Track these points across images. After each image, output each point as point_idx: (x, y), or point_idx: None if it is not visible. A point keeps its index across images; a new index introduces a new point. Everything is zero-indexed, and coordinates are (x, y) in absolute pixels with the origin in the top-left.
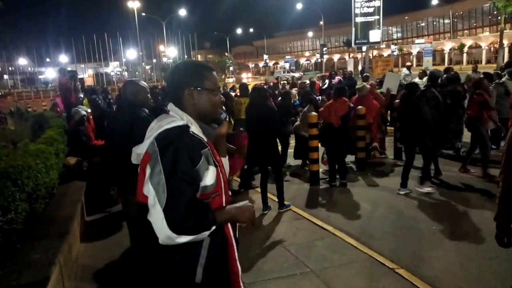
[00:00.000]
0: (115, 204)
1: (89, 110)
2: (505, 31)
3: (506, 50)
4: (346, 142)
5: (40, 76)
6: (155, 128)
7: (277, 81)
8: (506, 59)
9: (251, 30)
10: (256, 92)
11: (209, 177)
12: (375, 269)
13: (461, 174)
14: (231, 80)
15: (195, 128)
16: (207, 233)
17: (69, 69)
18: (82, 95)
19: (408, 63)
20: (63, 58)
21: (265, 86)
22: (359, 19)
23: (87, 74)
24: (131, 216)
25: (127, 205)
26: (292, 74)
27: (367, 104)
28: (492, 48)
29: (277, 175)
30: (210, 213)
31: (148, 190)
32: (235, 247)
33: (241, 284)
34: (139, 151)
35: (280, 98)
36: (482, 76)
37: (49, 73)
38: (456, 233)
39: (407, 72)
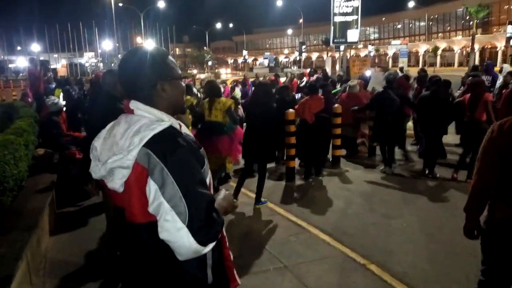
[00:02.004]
0: (87, 198)
1: (60, 101)
2: (476, 35)
3: (477, 54)
4: (322, 139)
5: (10, 65)
6: (130, 135)
7: (275, 78)
8: (477, 62)
9: (231, 25)
10: (261, 89)
11: (208, 176)
12: (346, 265)
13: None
14: (203, 76)
15: (184, 128)
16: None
17: (41, 58)
18: (53, 86)
19: (401, 65)
20: (35, 47)
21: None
22: (337, 19)
23: (60, 64)
24: (110, 209)
25: (106, 198)
26: (303, 69)
27: (357, 101)
28: (464, 52)
29: (261, 172)
30: (219, 212)
31: (160, 207)
32: (226, 236)
33: (234, 269)
34: (117, 164)
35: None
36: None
37: (20, 62)
38: (425, 229)
39: (399, 73)
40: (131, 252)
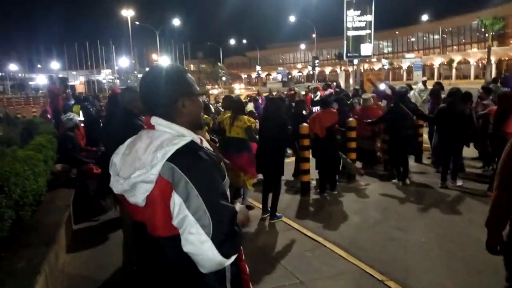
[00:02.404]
0: (104, 213)
1: (79, 117)
2: (492, 47)
3: (494, 66)
4: (333, 153)
5: (30, 82)
6: (153, 150)
7: (294, 92)
8: (494, 75)
9: (244, 41)
10: (271, 103)
11: (227, 190)
12: (364, 281)
13: (453, 187)
14: (216, 91)
15: (205, 143)
16: None
17: (60, 75)
18: (72, 102)
19: (424, 78)
20: (55, 65)
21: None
22: (350, 33)
23: (78, 81)
24: (127, 224)
25: (124, 213)
26: (316, 83)
27: (372, 114)
28: (480, 64)
29: (276, 186)
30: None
31: (185, 220)
32: (242, 249)
33: (250, 283)
34: (141, 179)
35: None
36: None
37: (40, 80)
38: (444, 245)
39: (423, 87)
40: (151, 266)
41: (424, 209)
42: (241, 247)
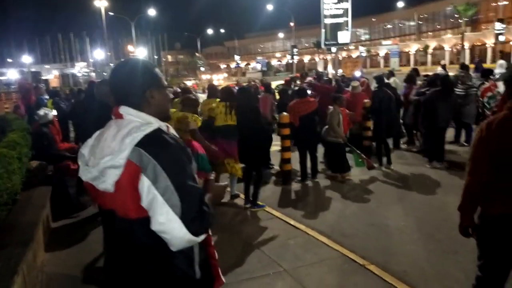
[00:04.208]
0: (83, 209)
1: (54, 112)
2: (466, 33)
3: (468, 51)
4: (311, 142)
5: (1, 77)
6: (120, 137)
7: (289, 79)
8: (468, 60)
9: (222, 30)
10: (241, 93)
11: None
12: (346, 266)
13: (428, 170)
14: (189, 83)
15: (172, 130)
16: None
17: (32, 70)
18: (46, 97)
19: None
20: (27, 59)
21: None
22: (328, 21)
23: (52, 75)
24: None
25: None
26: (286, 73)
27: (360, 101)
28: (454, 50)
29: (257, 175)
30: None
31: (154, 201)
32: (211, 236)
33: (219, 268)
34: (110, 164)
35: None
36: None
37: (12, 74)
38: (423, 229)
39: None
40: (121, 252)
41: (404, 194)
42: (210, 233)
